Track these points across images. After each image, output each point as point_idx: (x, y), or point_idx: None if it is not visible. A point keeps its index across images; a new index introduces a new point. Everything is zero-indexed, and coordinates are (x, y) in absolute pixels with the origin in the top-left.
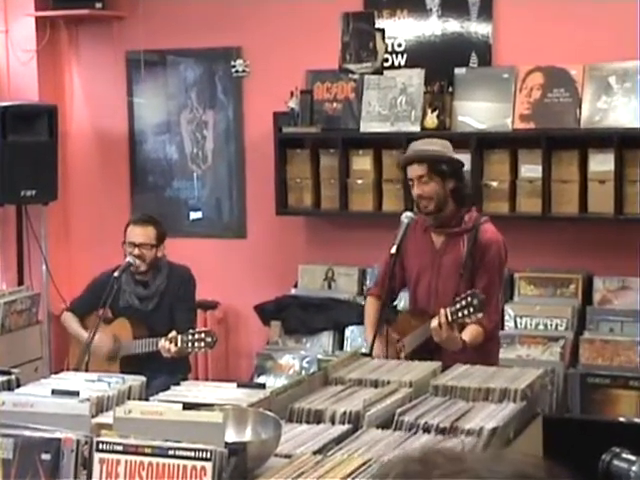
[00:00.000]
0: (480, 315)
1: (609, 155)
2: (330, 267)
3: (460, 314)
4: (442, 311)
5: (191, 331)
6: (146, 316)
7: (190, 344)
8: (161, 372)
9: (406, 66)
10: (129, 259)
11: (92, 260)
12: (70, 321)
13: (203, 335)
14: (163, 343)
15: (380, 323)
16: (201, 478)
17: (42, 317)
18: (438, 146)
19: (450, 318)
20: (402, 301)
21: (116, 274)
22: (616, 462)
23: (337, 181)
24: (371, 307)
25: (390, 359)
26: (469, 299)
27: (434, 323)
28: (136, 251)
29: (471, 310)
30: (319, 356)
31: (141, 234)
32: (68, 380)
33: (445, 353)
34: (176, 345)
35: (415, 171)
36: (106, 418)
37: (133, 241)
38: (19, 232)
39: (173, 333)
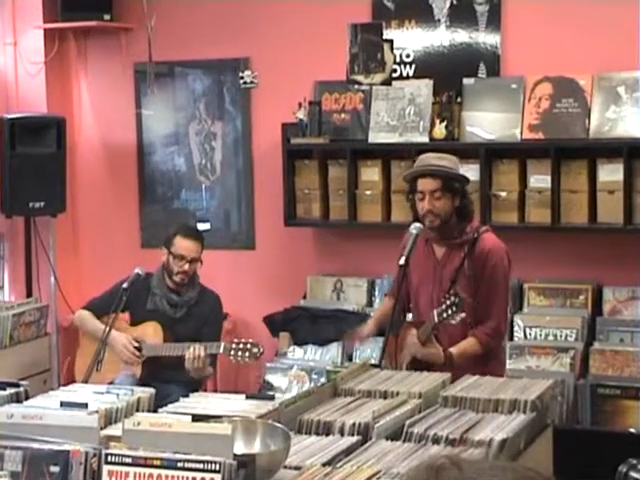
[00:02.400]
0: (462, 315)
1: (618, 165)
2: (339, 278)
3: (444, 315)
4: (413, 331)
5: (236, 340)
6: (174, 322)
7: (234, 353)
8: (178, 381)
9: (414, 77)
10: (138, 270)
11: (101, 272)
12: (87, 317)
13: (249, 346)
14: (191, 351)
15: (392, 324)
16: None
17: (51, 329)
18: (450, 162)
19: (437, 320)
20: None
21: (125, 285)
22: (633, 474)
23: (346, 192)
24: (384, 305)
25: (392, 367)
26: (452, 298)
27: (408, 343)
28: (186, 266)
29: (454, 309)
30: (328, 367)
31: (194, 249)
32: (77, 392)
33: (440, 366)
34: (199, 358)
35: (428, 185)
36: (115, 430)
37: (185, 255)
38: (27, 244)
39: (202, 346)
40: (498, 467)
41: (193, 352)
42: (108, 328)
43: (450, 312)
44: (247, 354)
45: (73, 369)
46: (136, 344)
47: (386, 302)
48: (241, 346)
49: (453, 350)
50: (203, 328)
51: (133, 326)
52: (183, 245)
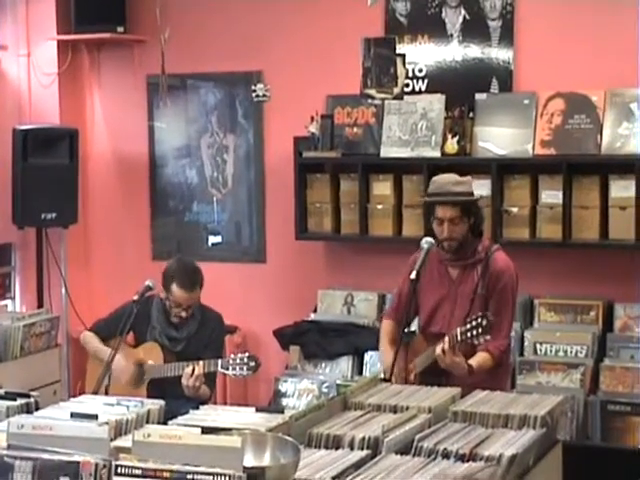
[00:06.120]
0: (487, 337)
1: (630, 181)
2: (350, 292)
3: (469, 334)
4: (446, 338)
5: (232, 356)
6: (174, 354)
7: (231, 368)
8: (184, 398)
9: (427, 91)
10: (148, 282)
11: (112, 283)
12: (91, 340)
13: (246, 359)
14: (188, 370)
15: (398, 345)
16: None
17: (61, 340)
18: (467, 186)
19: (459, 338)
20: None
21: (135, 297)
22: None
23: (357, 206)
24: (387, 328)
25: (401, 379)
26: (479, 320)
27: (438, 349)
28: (183, 313)
29: (479, 331)
30: (338, 381)
31: (191, 298)
32: (87, 403)
33: (453, 376)
34: (192, 374)
35: (448, 212)
36: (125, 442)
37: (181, 303)
38: (39, 255)
39: (200, 363)
40: None
41: (190, 370)
42: (113, 353)
43: (475, 333)
44: (245, 367)
45: (84, 381)
46: (131, 372)
47: (386, 325)
48: (238, 361)
49: (473, 363)
50: (204, 353)
51: (135, 348)
52: (179, 295)
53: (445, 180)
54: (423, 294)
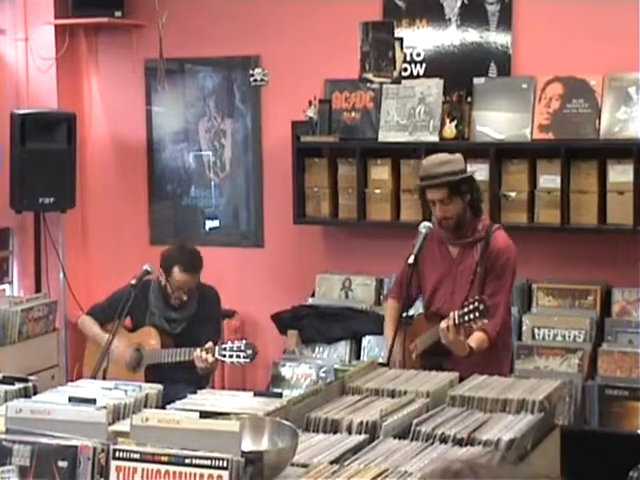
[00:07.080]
0: (485, 321)
1: (628, 166)
2: (347, 276)
3: (466, 318)
4: (451, 314)
5: (229, 344)
6: (172, 336)
7: (228, 356)
8: (182, 382)
9: (425, 76)
10: (146, 267)
11: (109, 268)
12: (89, 324)
13: (243, 347)
14: (199, 353)
15: (400, 325)
16: None
17: (59, 324)
18: (452, 164)
19: (457, 321)
20: (418, 309)
21: (133, 282)
22: None
23: (355, 190)
24: (391, 309)
25: (400, 362)
26: (476, 304)
27: (443, 324)
28: (184, 297)
29: (477, 315)
30: (336, 366)
31: (192, 281)
32: (85, 388)
33: (454, 357)
34: (213, 355)
35: (436, 195)
36: (123, 426)
37: (182, 287)
38: (37, 239)
39: (210, 344)
40: (516, 474)
41: (199, 353)
42: (111, 338)
43: (472, 317)
44: (242, 355)
45: (82, 365)
46: (129, 356)
47: (391, 307)
48: (235, 348)
49: (472, 344)
50: (205, 329)
51: (132, 332)
52: (181, 279)
53: (430, 162)
54: (425, 274)
